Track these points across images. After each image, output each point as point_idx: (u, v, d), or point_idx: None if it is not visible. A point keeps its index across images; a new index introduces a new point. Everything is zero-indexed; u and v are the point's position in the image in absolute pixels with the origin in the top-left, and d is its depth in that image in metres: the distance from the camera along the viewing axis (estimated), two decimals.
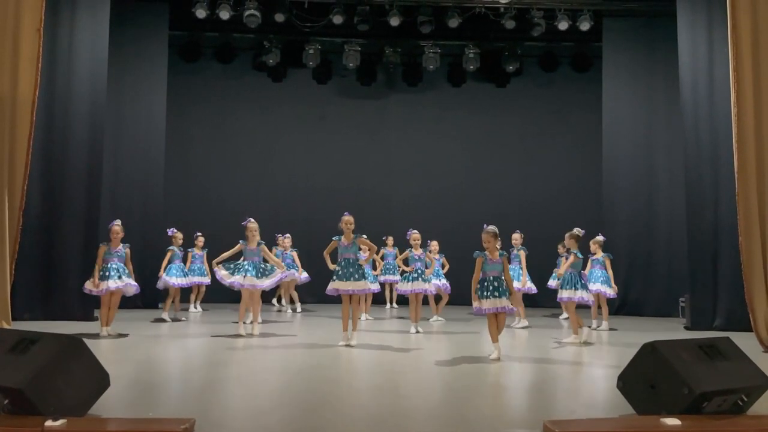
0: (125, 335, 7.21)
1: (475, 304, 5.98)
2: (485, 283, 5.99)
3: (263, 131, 12.51)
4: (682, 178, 9.49)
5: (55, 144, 8.85)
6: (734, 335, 4.43)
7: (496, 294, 5.93)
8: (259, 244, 7.40)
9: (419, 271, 8.34)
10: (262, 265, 7.37)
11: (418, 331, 7.95)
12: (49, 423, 2.97)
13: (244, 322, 7.49)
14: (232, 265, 7.40)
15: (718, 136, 8.77)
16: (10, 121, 7.30)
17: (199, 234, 9.86)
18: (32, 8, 7.42)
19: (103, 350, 5.74)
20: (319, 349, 6.68)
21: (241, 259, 7.59)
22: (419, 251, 8.51)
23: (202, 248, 9.67)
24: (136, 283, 7.38)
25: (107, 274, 7.11)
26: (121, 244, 7.34)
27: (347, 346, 6.62)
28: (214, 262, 7.41)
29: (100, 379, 3.61)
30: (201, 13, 10.70)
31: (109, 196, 10.21)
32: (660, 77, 10.87)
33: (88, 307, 8.61)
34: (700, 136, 8.98)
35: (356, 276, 6.76)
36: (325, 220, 12.08)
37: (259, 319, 7.93)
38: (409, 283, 8.30)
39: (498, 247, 6.10)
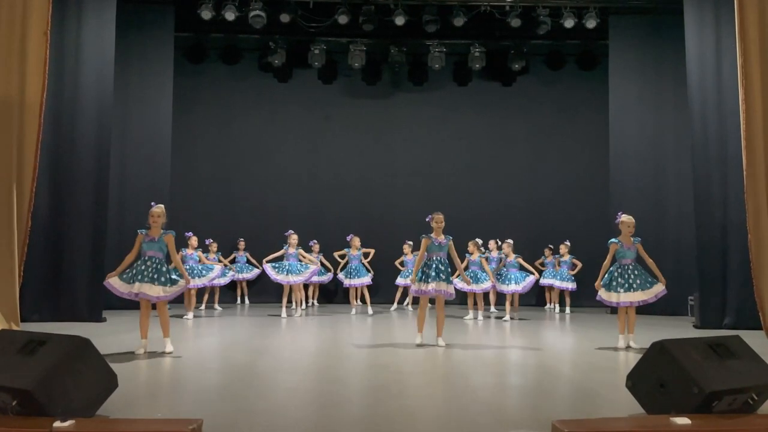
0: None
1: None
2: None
3: (269, 131, 12.52)
4: (690, 175, 9.43)
5: (62, 146, 8.89)
6: (744, 333, 4.40)
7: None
8: (296, 248, 9.71)
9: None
10: (299, 265, 9.64)
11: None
12: (57, 424, 2.97)
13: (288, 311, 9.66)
14: (277, 265, 9.65)
15: (727, 133, 8.72)
16: (18, 124, 7.34)
17: (241, 239, 11.35)
18: (39, 12, 7.45)
19: (111, 350, 5.74)
20: (326, 349, 6.68)
21: (283, 253, 9.78)
22: (412, 257, 10.17)
23: (244, 250, 11.30)
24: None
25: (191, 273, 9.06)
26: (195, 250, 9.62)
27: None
28: (265, 261, 9.83)
29: (108, 380, 3.61)
30: (206, 15, 10.72)
31: (116, 196, 10.25)
32: (667, 74, 10.81)
33: (95, 308, 8.65)
34: (708, 133, 8.93)
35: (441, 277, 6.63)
36: (330, 219, 12.15)
37: (303, 305, 10.26)
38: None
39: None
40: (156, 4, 10.89)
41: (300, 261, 9.70)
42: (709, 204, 8.85)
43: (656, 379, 3.56)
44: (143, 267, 5.95)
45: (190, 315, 9.20)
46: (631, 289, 6.48)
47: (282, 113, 12.52)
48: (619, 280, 6.56)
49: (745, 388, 3.45)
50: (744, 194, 7.60)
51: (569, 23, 10.89)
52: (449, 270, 6.70)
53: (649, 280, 6.58)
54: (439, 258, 6.66)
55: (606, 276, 6.66)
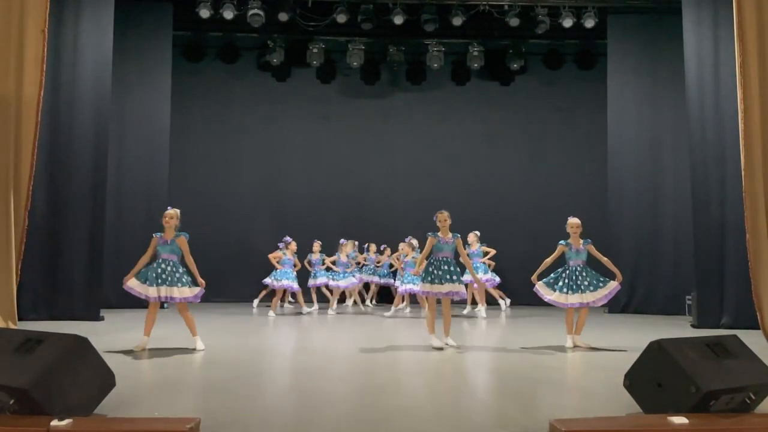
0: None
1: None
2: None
3: (267, 131, 12.51)
4: (688, 175, 9.44)
5: (60, 144, 8.87)
6: (742, 333, 4.41)
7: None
8: (321, 255, 10.50)
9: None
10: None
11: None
12: (54, 423, 2.97)
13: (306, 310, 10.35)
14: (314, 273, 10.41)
15: (725, 132, 8.72)
16: (15, 122, 7.33)
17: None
18: (36, 9, 7.45)
19: (109, 349, 5.74)
20: (324, 349, 6.68)
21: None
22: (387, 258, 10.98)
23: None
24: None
25: None
26: None
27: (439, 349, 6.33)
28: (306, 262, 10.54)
29: (105, 379, 3.61)
30: (205, 13, 10.70)
31: (114, 195, 10.24)
32: (665, 74, 10.81)
33: (93, 306, 8.64)
34: (706, 133, 8.94)
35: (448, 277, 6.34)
36: (328, 217, 12.14)
37: (334, 305, 10.51)
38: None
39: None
40: (154, 2, 10.86)
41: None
42: (707, 203, 8.85)
43: (654, 378, 3.57)
44: (159, 270, 5.93)
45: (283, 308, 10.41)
46: (580, 291, 6.37)
47: (280, 112, 12.51)
48: (567, 281, 6.43)
49: (742, 387, 3.45)
50: (742, 194, 7.61)
51: (568, 23, 10.90)
52: (458, 269, 6.42)
53: (601, 279, 6.47)
54: (446, 258, 6.37)
55: (552, 275, 6.56)
